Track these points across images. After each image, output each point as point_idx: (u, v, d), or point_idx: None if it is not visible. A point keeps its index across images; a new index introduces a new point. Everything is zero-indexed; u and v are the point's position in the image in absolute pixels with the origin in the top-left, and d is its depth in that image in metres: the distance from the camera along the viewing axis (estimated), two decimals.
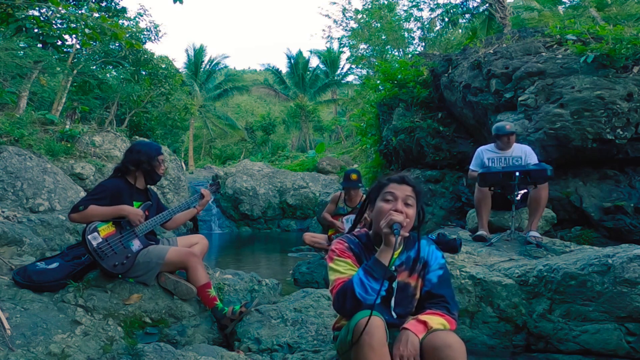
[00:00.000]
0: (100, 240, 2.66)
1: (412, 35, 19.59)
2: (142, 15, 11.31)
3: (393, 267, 1.75)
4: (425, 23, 18.98)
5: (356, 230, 1.98)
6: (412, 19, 19.11)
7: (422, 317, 1.71)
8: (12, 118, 6.67)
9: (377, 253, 1.72)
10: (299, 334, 2.58)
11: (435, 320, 1.70)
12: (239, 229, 11.29)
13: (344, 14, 20.03)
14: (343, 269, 1.78)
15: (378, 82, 9.59)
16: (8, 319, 2.31)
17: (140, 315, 2.67)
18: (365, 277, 1.66)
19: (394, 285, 1.79)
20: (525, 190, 4.01)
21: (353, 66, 23.99)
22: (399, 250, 1.85)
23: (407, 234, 1.72)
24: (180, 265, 2.82)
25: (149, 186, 3.06)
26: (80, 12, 7.86)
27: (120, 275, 2.73)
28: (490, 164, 4.21)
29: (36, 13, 8.26)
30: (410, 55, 15.27)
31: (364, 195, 5.02)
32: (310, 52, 37.57)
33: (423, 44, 19.19)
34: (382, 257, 1.69)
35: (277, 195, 11.45)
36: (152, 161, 2.92)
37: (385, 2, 19.11)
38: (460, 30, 18.76)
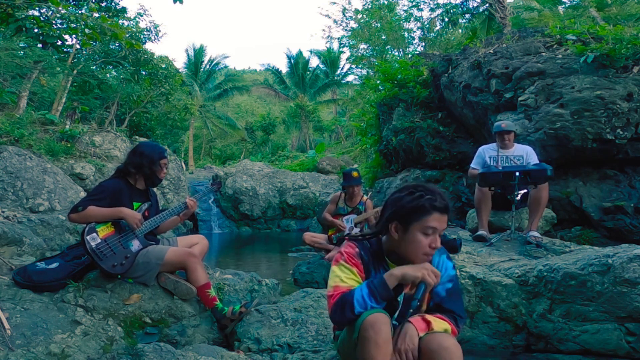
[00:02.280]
0: (99, 240, 2.65)
1: (412, 35, 19.59)
2: (142, 15, 11.28)
3: None
4: (425, 23, 18.98)
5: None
6: (412, 19, 19.11)
7: (428, 317, 1.70)
8: (12, 118, 6.66)
9: (387, 274, 1.66)
10: (299, 334, 2.58)
11: (439, 324, 1.69)
12: (239, 229, 11.28)
13: (344, 14, 20.02)
14: (345, 277, 1.73)
15: (378, 82, 9.60)
16: (8, 319, 2.31)
17: (140, 315, 2.67)
18: (369, 297, 1.62)
19: (399, 298, 1.75)
20: (525, 190, 4.01)
21: (353, 66, 24.00)
22: None
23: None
24: (180, 266, 2.82)
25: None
26: (80, 12, 7.86)
27: (119, 276, 2.73)
28: (491, 163, 4.22)
29: (36, 13, 8.25)
30: (410, 55, 15.26)
31: (364, 196, 5.02)
32: (310, 52, 37.64)
33: (423, 44, 19.17)
34: (390, 281, 1.64)
35: (277, 195, 11.43)
36: (153, 165, 2.89)
37: (385, 2, 19.10)
38: (460, 30, 18.75)
